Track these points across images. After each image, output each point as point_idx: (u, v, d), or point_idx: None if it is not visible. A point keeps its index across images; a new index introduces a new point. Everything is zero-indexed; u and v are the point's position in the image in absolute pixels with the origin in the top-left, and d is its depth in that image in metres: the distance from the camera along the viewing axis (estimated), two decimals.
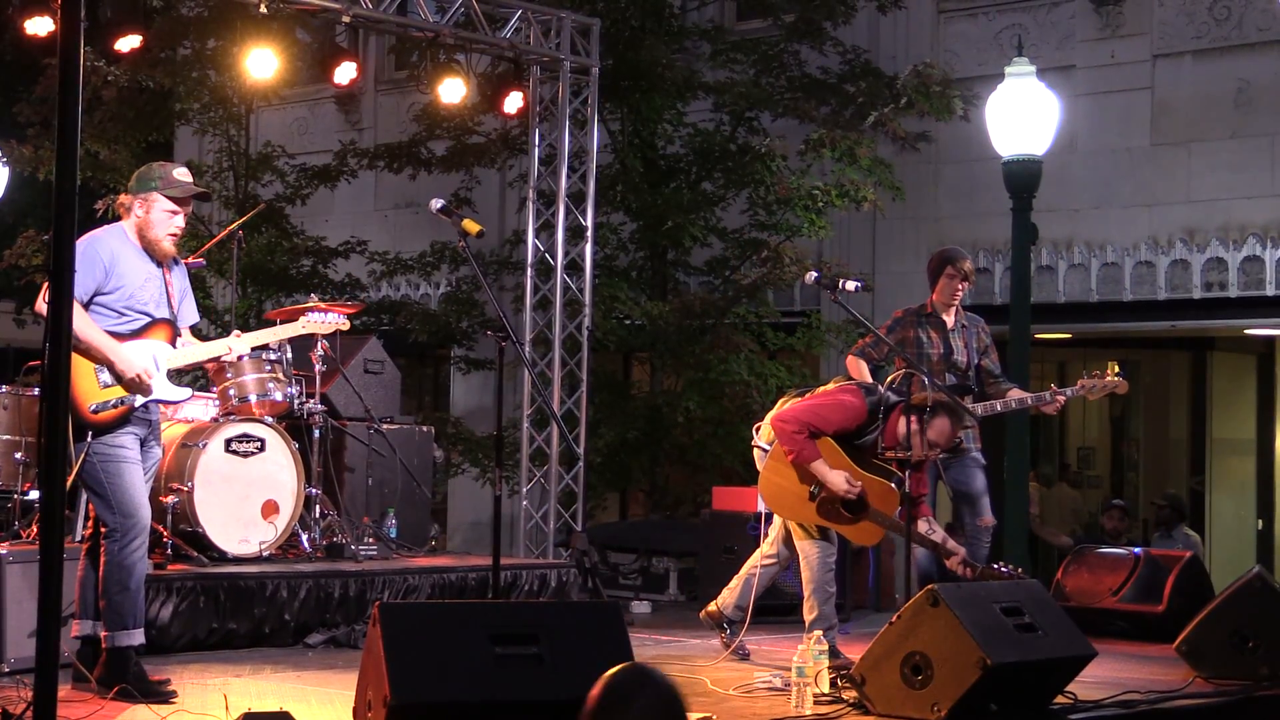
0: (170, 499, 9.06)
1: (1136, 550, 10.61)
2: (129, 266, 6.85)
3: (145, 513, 6.83)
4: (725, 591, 8.67)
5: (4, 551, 7.57)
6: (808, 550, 8.27)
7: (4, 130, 15.86)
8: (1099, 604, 10.16)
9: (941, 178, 15.49)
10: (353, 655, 7.79)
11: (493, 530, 7.49)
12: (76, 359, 6.66)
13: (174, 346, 6.99)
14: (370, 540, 10.19)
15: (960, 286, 9.58)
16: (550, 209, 12.65)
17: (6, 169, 15.77)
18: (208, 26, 14.70)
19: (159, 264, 6.96)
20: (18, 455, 9.00)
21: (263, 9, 10.81)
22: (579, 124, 12.71)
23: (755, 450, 8.47)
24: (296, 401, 9.83)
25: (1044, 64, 13.44)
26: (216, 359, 7.38)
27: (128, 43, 11.25)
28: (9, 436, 9.06)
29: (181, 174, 6.99)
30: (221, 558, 9.13)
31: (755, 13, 16.05)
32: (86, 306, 6.74)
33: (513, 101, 12.18)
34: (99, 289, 6.79)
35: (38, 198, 18.20)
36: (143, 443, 6.94)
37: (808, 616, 8.23)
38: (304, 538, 9.79)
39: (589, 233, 12.60)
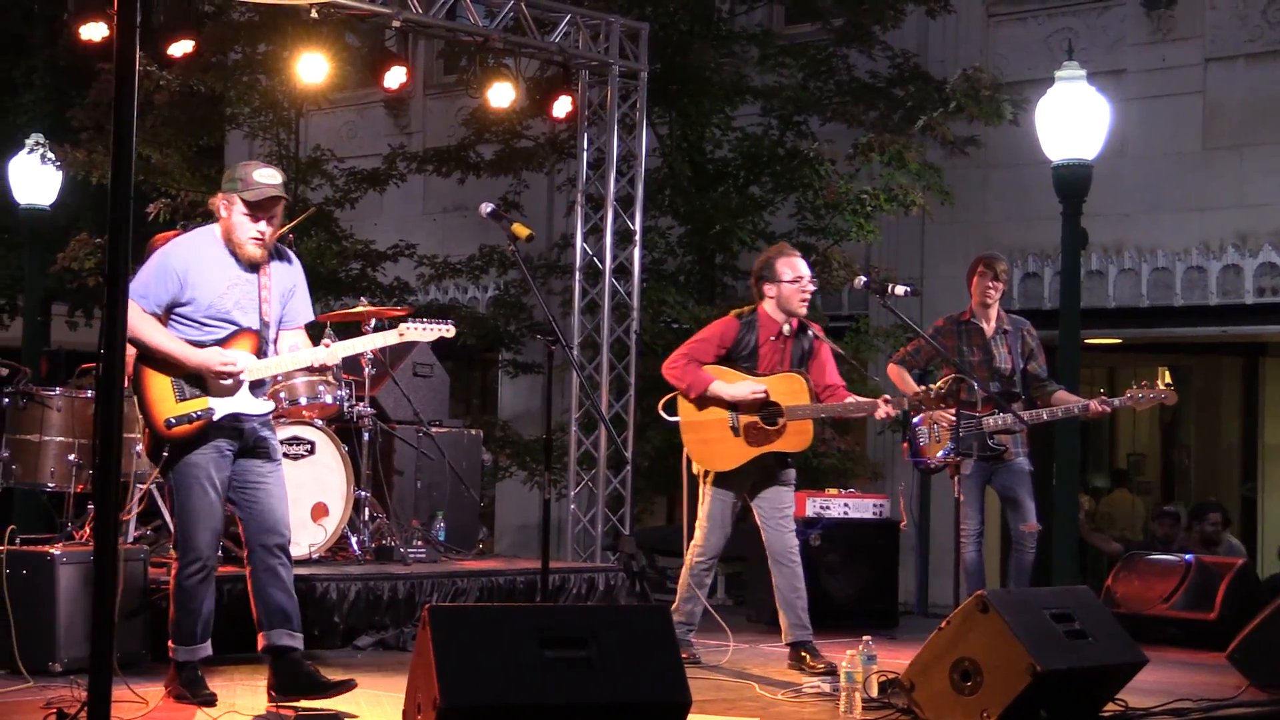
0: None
1: (1188, 557, 10.54)
2: (208, 275, 6.61)
3: (203, 549, 6.61)
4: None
5: (57, 552, 7.62)
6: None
7: (58, 135, 15.98)
8: (1150, 611, 10.10)
9: (990, 182, 15.42)
10: (402, 658, 7.82)
11: (541, 533, 7.50)
12: (151, 372, 6.56)
13: (261, 355, 6.71)
14: (419, 543, 10.22)
15: (992, 285, 9.55)
16: (599, 213, 12.66)
17: (60, 173, 15.90)
18: (258, 31, 14.76)
19: (251, 267, 6.69)
20: (71, 457, 9.06)
21: (313, 14, 10.86)
22: (627, 128, 12.72)
23: (682, 433, 8.56)
24: (346, 404, 9.86)
25: (1094, 68, 13.37)
26: (308, 368, 7.07)
27: (180, 48, 11.33)
28: (62, 438, 9.12)
29: (263, 175, 6.70)
30: None
31: (804, 17, 16.02)
32: (165, 320, 6.59)
33: (561, 106, 12.20)
34: (175, 301, 6.61)
35: (90, 201, 18.31)
36: (246, 454, 6.70)
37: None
38: (353, 540, 9.82)
39: (637, 236, 12.60)
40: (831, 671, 7.89)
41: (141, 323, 6.52)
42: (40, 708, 6.46)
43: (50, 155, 15.62)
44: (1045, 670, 6.28)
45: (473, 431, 11.78)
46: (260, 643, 6.70)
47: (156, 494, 9.14)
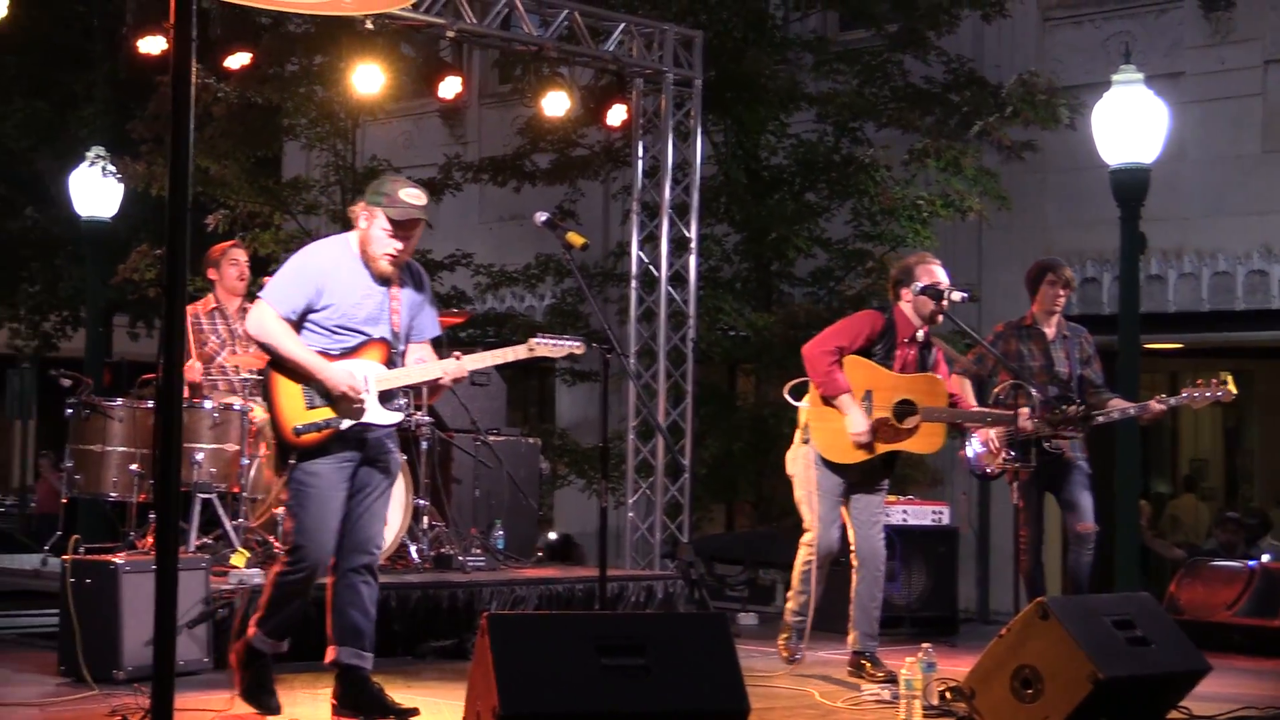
0: (281, 510, 9.15)
1: (1251, 563, 10.44)
2: (344, 283, 6.59)
3: (316, 553, 6.56)
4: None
5: (120, 561, 7.68)
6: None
7: (118, 147, 16.12)
8: (1214, 618, 10.01)
9: (1048, 187, 15.35)
10: (461, 666, 7.83)
11: (599, 542, 7.50)
12: (282, 379, 6.56)
13: (390, 366, 6.69)
14: (478, 551, 10.25)
15: (1061, 293, 9.50)
16: (654, 221, 12.65)
17: (121, 186, 16.02)
18: (315, 43, 14.85)
19: (383, 280, 6.67)
20: (133, 467, 9.13)
21: (368, 25, 10.92)
22: (682, 136, 12.72)
23: (810, 419, 8.44)
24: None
25: (1152, 71, 13.27)
26: (433, 382, 6.90)
27: (237, 60, 11.40)
28: (125, 448, 9.18)
29: (410, 195, 6.62)
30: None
31: (858, 23, 15.99)
32: (298, 325, 6.55)
33: (616, 114, 12.20)
34: (310, 306, 6.55)
35: (150, 213, 18.44)
36: (367, 463, 6.68)
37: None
38: (412, 549, 9.85)
39: (693, 244, 12.59)
40: (892, 679, 7.85)
41: (276, 329, 6.50)
42: (105, 715, 6.52)
43: (111, 168, 15.75)
44: (1107, 678, 6.23)
45: (530, 440, 11.80)
46: (329, 655, 6.71)
47: (217, 504, 9.21)
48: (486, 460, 10.85)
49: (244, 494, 9.22)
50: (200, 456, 9.05)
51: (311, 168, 17.51)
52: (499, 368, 11.74)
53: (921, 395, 8.22)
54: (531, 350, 6.82)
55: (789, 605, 8.51)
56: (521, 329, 15.63)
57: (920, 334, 8.37)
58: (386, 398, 6.67)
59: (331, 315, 6.57)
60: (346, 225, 9.93)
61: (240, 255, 9.95)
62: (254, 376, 9.41)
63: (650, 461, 12.52)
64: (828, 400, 8.27)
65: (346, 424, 6.57)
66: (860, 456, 8.24)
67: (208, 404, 9.22)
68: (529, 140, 15.69)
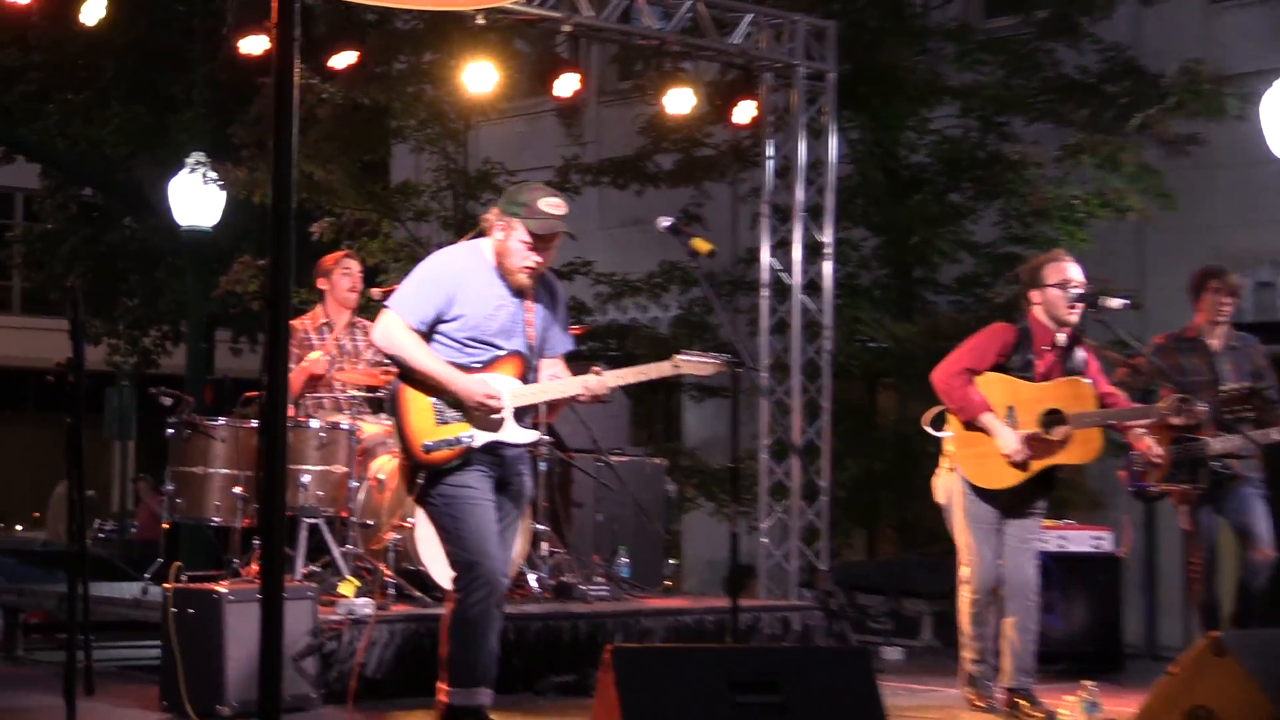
0: (392, 536, 9.22)
1: None
2: (477, 293, 6.65)
3: (491, 561, 6.57)
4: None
5: (224, 590, 7.76)
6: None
7: (219, 153, 16.34)
8: None
9: (1217, 183, 15.09)
10: (584, 702, 7.83)
11: (729, 570, 7.47)
12: (412, 392, 6.62)
13: (526, 381, 6.74)
14: (600, 580, 10.25)
15: (1226, 301, 9.33)
16: (786, 225, 12.61)
17: (222, 193, 16.26)
18: (423, 40, 14.97)
19: (518, 291, 6.73)
20: (236, 490, 9.22)
21: (480, 20, 10.99)
22: (815, 133, 12.67)
23: (955, 447, 8.37)
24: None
25: None
26: (571, 399, 6.92)
27: (343, 59, 11.52)
28: (227, 470, 9.28)
29: (550, 205, 6.68)
30: (445, 598, 9.21)
31: (1004, 9, 15.84)
32: (428, 336, 6.61)
33: (744, 111, 12.18)
34: (440, 316, 6.62)
35: (253, 222, 18.71)
36: (499, 487, 6.72)
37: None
38: (531, 577, 9.88)
39: (828, 249, 12.54)
40: None
41: (405, 339, 6.58)
42: None
43: (211, 174, 15.99)
44: None
45: (656, 460, 11.80)
46: (443, 693, 6.72)
47: (324, 529, 9.29)
48: (609, 482, 10.86)
49: (353, 519, 9.29)
50: (306, 479, 9.13)
51: (421, 172, 17.66)
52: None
53: (1067, 401, 8.10)
54: (676, 367, 6.86)
55: (965, 655, 8.34)
56: (645, 342, 15.65)
57: (1060, 338, 8.24)
58: (520, 416, 6.69)
59: (462, 327, 6.63)
60: (459, 233, 9.89)
61: (354, 265, 10.07)
62: (362, 394, 9.49)
63: (785, 483, 12.47)
64: (970, 425, 8.18)
65: (481, 440, 6.60)
66: (1013, 479, 8.13)
67: (314, 423, 9.31)
68: (651, 140, 15.71)
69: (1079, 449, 8.13)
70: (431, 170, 16.85)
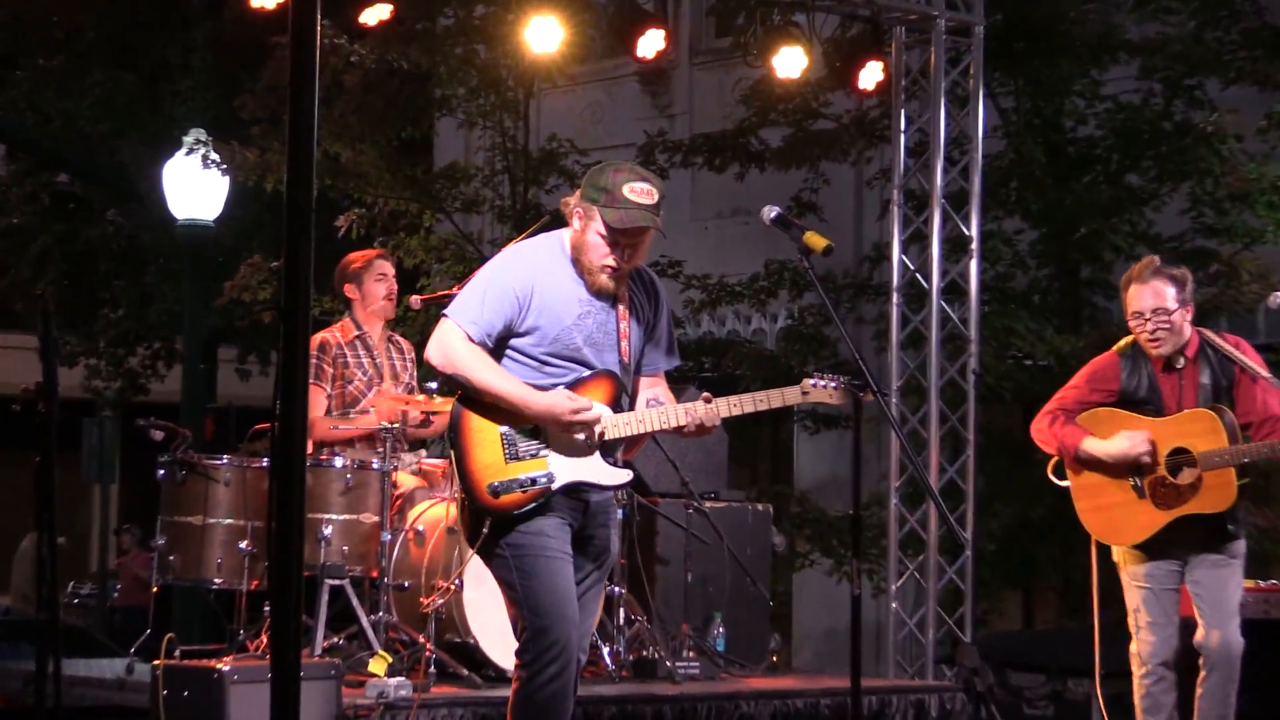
0: (433, 601, 9.24)
1: None
2: (556, 298, 6.60)
3: (569, 629, 6.53)
4: None
5: (226, 668, 7.81)
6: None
7: (224, 130, 16.42)
8: None
9: None
10: None
11: (851, 641, 7.46)
12: (477, 420, 6.59)
13: (618, 408, 6.68)
14: (691, 655, 10.25)
15: None
16: (922, 215, 12.60)
17: (227, 179, 16.38)
18: None
19: (606, 293, 6.67)
20: (243, 545, 9.24)
21: None
22: (958, 101, 12.66)
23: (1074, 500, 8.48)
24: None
25: None
26: (676, 430, 6.79)
27: (375, 13, 11.61)
28: (231, 520, 9.32)
29: (635, 192, 6.58)
30: (499, 677, 9.26)
31: None
32: (496, 354, 6.58)
33: (870, 74, 12.18)
34: (511, 328, 6.57)
35: (265, 214, 18.84)
36: (580, 539, 6.70)
37: None
38: (605, 651, 9.89)
39: (974, 244, 12.51)
40: None
41: (468, 355, 6.50)
42: None
43: (214, 156, 16.06)
44: None
45: (760, 507, 11.78)
46: None
47: (350, 592, 9.33)
48: (702, 534, 10.87)
49: (385, 580, 9.32)
50: (329, 531, 9.17)
51: (471, 152, 17.76)
52: None
53: (1197, 436, 8.10)
54: (806, 394, 6.80)
55: None
56: (747, 360, 15.65)
57: (1180, 360, 8.23)
58: (609, 451, 6.64)
59: (539, 340, 6.55)
60: (518, 227, 9.92)
61: (388, 268, 10.11)
62: (394, 426, 9.52)
63: (919, 534, 12.44)
64: (1081, 463, 8.28)
65: (562, 480, 6.58)
66: (1143, 531, 8.19)
67: (339, 462, 9.35)
68: (755, 111, 15.74)
69: (1213, 495, 8.11)
70: (484, 150, 16.92)
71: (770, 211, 7.50)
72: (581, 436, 6.54)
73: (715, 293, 16.34)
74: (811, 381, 6.84)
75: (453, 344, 6.52)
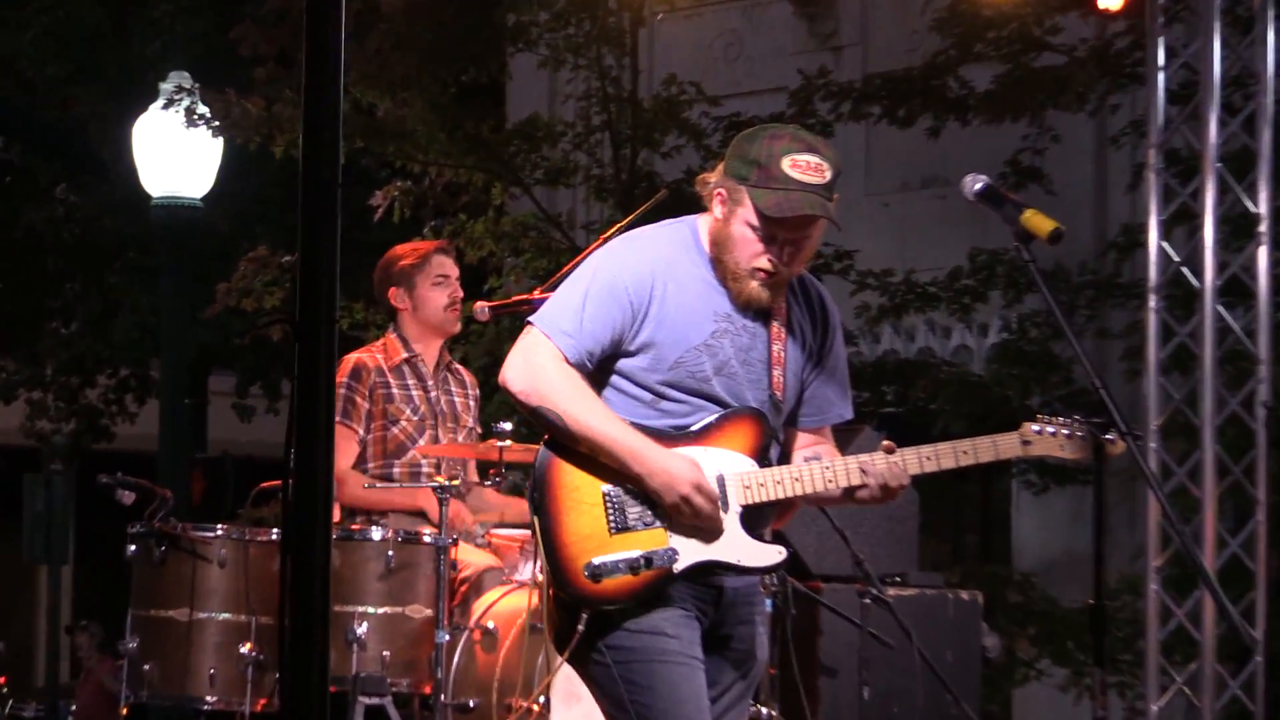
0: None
1: None
2: (683, 307, 6.58)
3: None
4: None
5: None
6: None
7: (214, 74, 16.54)
8: None
9: None
10: None
11: None
12: (571, 473, 6.55)
13: (764, 461, 6.63)
14: None
15: None
16: (1190, 185, 12.56)
17: (219, 141, 16.50)
18: None
19: (750, 306, 6.63)
20: (244, 649, 9.30)
21: None
22: (1239, 25, 12.61)
23: None
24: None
25: None
26: (847, 494, 6.73)
27: None
28: (228, 615, 9.38)
29: (801, 167, 6.50)
30: None
31: None
32: (598, 380, 6.56)
33: None
34: (619, 346, 6.56)
35: (272, 190, 18.97)
36: (715, 641, 6.69)
37: None
38: None
39: (1263, 226, 12.44)
40: None
41: (562, 383, 6.45)
42: None
43: (202, 110, 16.17)
44: None
45: (964, 595, 11.79)
46: None
47: (393, 714, 9.37)
48: (883, 633, 10.88)
49: (442, 697, 9.38)
50: (363, 629, 9.22)
51: (558, 101, 17.82)
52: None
53: None
54: (1027, 444, 6.71)
55: None
56: (947, 390, 15.61)
57: None
58: (756, 520, 6.64)
59: (654, 364, 6.53)
60: (624, 205, 9.92)
61: (451, 266, 10.09)
62: (454, 484, 9.55)
63: (1190, 633, 12.40)
64: None
65: (688, 561, 6.58)
66: None
67: (376, 534, 9.39)
68: (953, 42, 15.74)
69: None
70: (576, 99, 16.97)
71: (976, 182, 7.50)
72: (682, 519, 6.46)
73: (900, 296, 16.32)
74: (1035, 428, 6.72)
75: (541, 365, 6.45)
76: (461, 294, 10.09)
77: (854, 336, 16.54)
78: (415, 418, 9.83)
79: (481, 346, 14.05)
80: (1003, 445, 6.71)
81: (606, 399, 6.55)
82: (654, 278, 6.53)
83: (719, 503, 6.48)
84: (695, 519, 6.46)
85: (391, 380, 9.84)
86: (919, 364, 16.65)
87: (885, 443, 6.63)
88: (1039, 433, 6.70)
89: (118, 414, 22.98)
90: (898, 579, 11.30)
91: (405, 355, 9.89)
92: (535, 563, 8.48)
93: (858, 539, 10.99)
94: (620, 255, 6.66)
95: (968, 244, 16.11)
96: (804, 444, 6.78)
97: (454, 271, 10.07)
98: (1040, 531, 18.04)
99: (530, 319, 6.60)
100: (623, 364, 6.55)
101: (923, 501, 12.10)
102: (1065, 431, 6.72)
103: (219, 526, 9.58)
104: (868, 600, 10.84)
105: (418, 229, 15.25)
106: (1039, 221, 7.31)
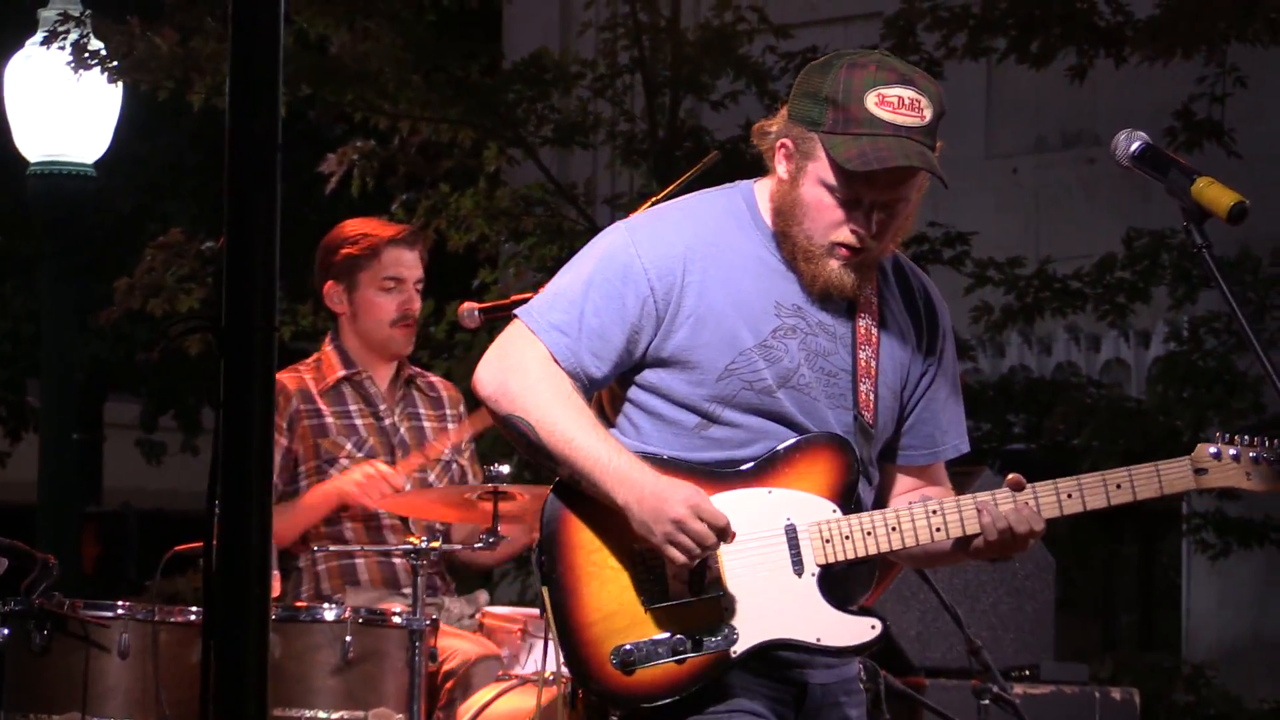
0: None
1: None
2: (731, 297, 6.60)
3: None
4: None
5: None
6: None
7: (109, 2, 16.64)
8: None
9: None
10: None
11: None
12: (584, 529, 6.57)
13: (850, 506, 6.61)
14: None
15: None
16: None
17: (117, 88, 16.59)
18: None
19: (832, 293, 6.62)
20: None
21: None
22: None
23: None
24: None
25: None
26: (960, 548, 6.67)
27: None
28: None
29: (892, 104, 6.49)
30: None
31: None
32: (621, 403, 6.60)
33: None
34: (640, 348, 6.57)
35: (189, 152, 19.05)
36: None
37: None
38: None
39: None
40: None
41: (541, 384, 6.46)
42: None
43: (95, 45, 16.27)
44: None
45: (1116, 694, 11.85)
46: None
47: None
48: None
49: None
50: None
51: (573, 32, 17.90)
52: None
53: None
54: (1201, 472, 6.70)
55: None
56: (1097, 417, 15.66)
57: None
58: (841, 585, 6.61)
59: (697, 378, 6.52)
60: (662, 174, 10.06)
61: (408, 258, 10.09)
62: (432, 546, 9.57)
63: None
64: None
65: (750, 643, 6.53)
66: None
67: (330, 613, 9.44)
68: None
69: None
70: (596, 28, 17.04)
71: (1132, 141, 7.54)
72: (678, 560, 6.35)
73: (1032, 293, 16.36)
74: (1212, 449, 6.69)
75: (520, 364, 6.49)
76: (418, 304, 9.90)
77: (969, 347, 16.61)
78: (360, 453, 9.78)
79: (469, 362, 14.09)
80: (1169, 475, 6.65)
81: (633, 414, 6.59)
82: (687, 260, 6.51)
83: (727, 531, 6.34)
84: (692, 555, 6.33)
85: (324, 406, 9.77)
86: (1057, 384, 16.73)
87: (1011, 476, 6.55)
88: (1217, 456, 6.64)
89: None
90: (1027, 672, 11.35)
91: (344, 372, 9.82)
92: (546, 650, 8.41)
93: (974, 620, 11.05)
94: (641, 231, 6.63)
95: (1122, 224, 16.17)
96: (905, 488, 6.79)
97: (413, 272, 9.92)
98: (1220, 608, 18.10)
99: (517, 311, 6.59)
100: (651, 377, 6.55)
101: (1061, 569, 12.16)
102: (1253, 454, 6.64)
103: (119, 604, 9.62)
104: (986, 701, 10.88)
105: (385, 205, 15.32)
106: (1216, 193, 7.33)
